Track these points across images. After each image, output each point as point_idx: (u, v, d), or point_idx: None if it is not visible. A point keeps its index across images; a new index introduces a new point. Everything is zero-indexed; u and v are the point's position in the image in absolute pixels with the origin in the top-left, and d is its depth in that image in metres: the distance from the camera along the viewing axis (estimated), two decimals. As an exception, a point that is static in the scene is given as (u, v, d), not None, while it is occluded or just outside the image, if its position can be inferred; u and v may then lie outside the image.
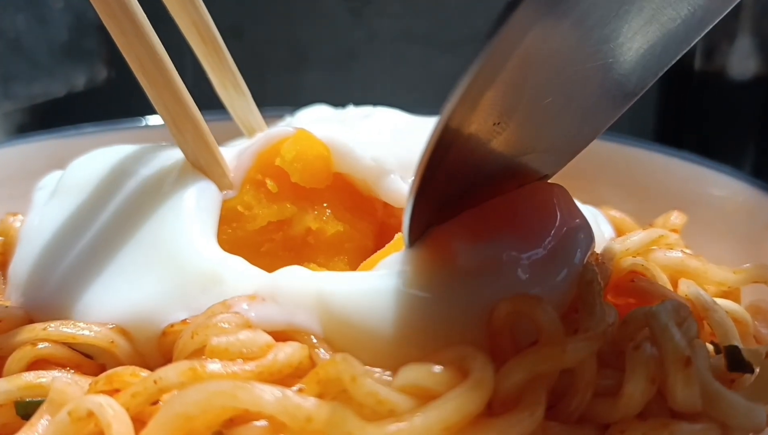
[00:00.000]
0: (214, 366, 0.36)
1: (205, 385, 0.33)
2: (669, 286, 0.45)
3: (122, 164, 0.49)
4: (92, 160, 0.51)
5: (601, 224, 0.55)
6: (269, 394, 0.33)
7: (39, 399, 0.39)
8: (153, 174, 0.48)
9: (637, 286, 0.45)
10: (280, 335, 0.40)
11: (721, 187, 0.61)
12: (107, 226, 0.46)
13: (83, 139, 0.73)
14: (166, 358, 0.41)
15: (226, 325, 0.39)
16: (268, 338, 0.38)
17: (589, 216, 0.49)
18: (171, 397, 0.34)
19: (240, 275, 0.43)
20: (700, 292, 0.45)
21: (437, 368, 0.35)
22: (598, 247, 0.47)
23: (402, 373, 0.35)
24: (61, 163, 0.56)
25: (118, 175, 0.48)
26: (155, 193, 0.47)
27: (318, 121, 0.58)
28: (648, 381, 0.37)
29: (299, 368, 0.38)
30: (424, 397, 0.34)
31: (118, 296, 0.43)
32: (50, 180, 0.53)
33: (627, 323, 0.41)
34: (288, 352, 0.38)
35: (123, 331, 0.42)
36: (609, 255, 0.47)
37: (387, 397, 0.34)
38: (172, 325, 0.41)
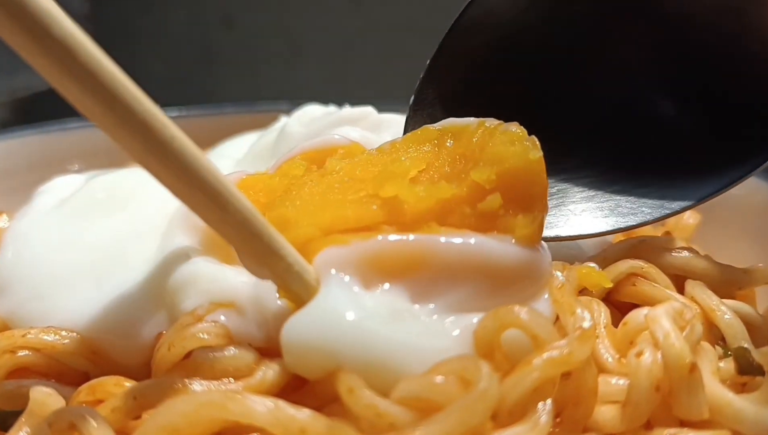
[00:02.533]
0: (197, 387, 0.36)
1: (193, 395, 0.33)
2: (672, 288, 0.45)
3: (143, 185, 0.48)
4: (121, 178, 0.50)
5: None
6: (261, 405, 0.32)
7: (19, 410, 0.38)
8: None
9: (638, 289, 0.45)
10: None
11: (739, 186, 0.61)
12: (107, 243, 0.46)
13: (67, 135, 0.72)
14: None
15: (205, 336, 0.38)
16: (255, 354, 0.38)
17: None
18: (157, 409, 0.33)
19: (211, 282, 0.42)
20: (705, 293, 0.45)
21: (439, 379, 0.34)
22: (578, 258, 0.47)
23: (402, 384, 0.34)
24: (44, 160, 0.56)
25: (135, 197, 0.48)
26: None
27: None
28: (652, 389, 0.36)
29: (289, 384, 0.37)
30: (425, 410, 0.33)
31: (96, 310, 0.43)
32: (58, 184, 0.53)
33: (627, 325, 0.41)
34: (277, 369, 0.37)
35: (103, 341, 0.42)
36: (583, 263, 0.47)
37: (386, 410, 0.33)
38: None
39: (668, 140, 0.49)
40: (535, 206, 0.41)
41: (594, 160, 0.50)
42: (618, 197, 0.49)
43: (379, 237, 0.39)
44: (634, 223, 0.48)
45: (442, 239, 0.39)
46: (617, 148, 0.50)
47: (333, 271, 0.38)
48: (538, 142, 0.41)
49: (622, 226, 0.48)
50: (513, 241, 0.40)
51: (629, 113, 0.50)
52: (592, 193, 0.49)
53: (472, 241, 0.39)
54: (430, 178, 0.42)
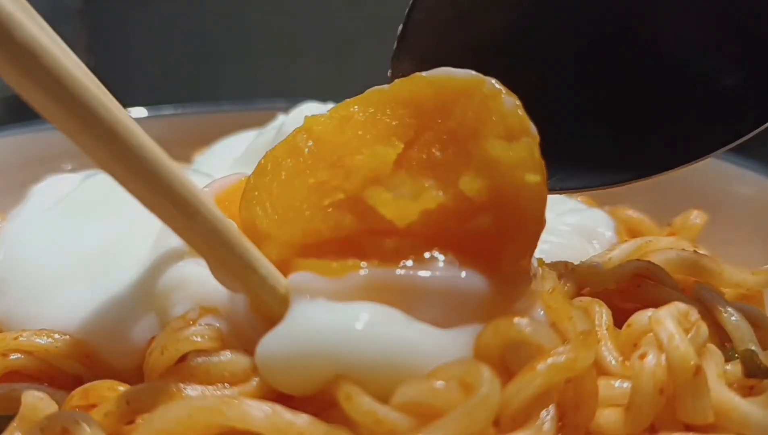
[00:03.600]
0: (192, 392, 0.36)
1: (189, 400, 0.33)
2: (678, 289, 0.45)
3: None
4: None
5: (598, 235, 0.54)
6: (258, 410, 0.33)
7: (11, 414, 0.38)
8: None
9: (643, 290, 0.45)
10: None
11: (747, 184, 0.61)
12: (101, 244, 0.46)
13: (60, 134, 0.72)
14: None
15: (199, 339, 0.38)
16: (251, 360, 0.37)
17: (588, 223, 0.51)
18: (151, 413, 0.33)
19: (200, 285, 0.41)
20: (712, 295, 0.45)
21: (439, 384, 0.34)
22: (581, 258, 0.47)
23: (401, 389, 0.34)
24: (37, 159, 0.56)
25: (129, 198, 0.48)
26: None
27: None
28: (656, 392, 0.36)
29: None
30: (425, 416, 0.33)
31: (89, 312, 0.43)
32: (51, 184, 0.53)
33: (631, 327, 0.41)
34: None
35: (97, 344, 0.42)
36: (586, 264, 0.46)
37: (386, 417, 0.33)
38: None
39: (673, 91, 0.47)
40: (525, 240, 0.39)
41: (594, 107, 0.48)
42: (621, 147, 0.47)
43: (354, 274, 0.37)
44: (640, 175, 0.47)
45: (424, 274, 0.37)
46: (619, 94, 0.47)
47: (306, 293, 0.36)
48: (543, 162, 0.37)
49: (624, 179, 0.47)
50: (499, 274, 0.38)
51: (634, 57, 0.47)
52: (592, 141, 0.47)
53: (458, 276, 0.37)
54: (417, 158, 0.39)
